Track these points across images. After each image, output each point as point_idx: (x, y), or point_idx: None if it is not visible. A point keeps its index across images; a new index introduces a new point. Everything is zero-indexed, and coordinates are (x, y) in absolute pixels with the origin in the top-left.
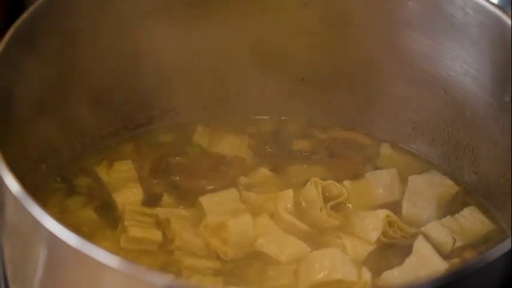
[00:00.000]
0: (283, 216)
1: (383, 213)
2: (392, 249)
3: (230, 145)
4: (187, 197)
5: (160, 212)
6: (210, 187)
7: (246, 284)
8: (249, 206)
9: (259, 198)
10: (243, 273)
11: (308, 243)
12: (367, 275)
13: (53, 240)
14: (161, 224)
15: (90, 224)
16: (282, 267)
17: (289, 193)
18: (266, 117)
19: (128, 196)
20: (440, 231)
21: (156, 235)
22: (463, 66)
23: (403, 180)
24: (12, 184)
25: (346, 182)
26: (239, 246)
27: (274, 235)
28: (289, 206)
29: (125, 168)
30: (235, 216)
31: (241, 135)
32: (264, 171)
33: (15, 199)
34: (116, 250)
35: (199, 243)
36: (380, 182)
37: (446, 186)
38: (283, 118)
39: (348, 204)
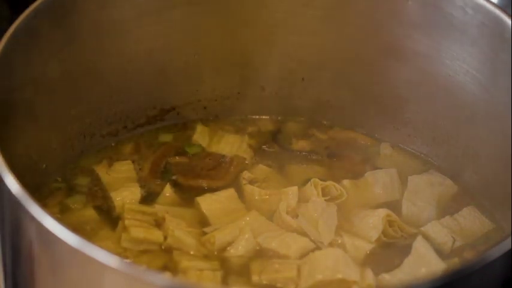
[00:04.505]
0: (283, 217)
1: (383, 212)
2: (392, 249)
3: (230, 145)
4: (187, 197)
5: (158, 209)
6: (210, 187)
7: (247, 276)
8: (252, 202)
9: (262, 193)
10: (245, 267)
11: None
12: (370, 277)
13: (53, 240)
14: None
15: (91, 223)
16: (287, 261)
17: (294, 190)
18: (266, 117)
19: (126, 195)
20: (440, 230)
21: (158, 235)
22: (463, 66)
23: (403, 180)
24: (12, 184)
25: (345, 182)
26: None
27: (276, 232)
28: (293, 202)
29: (124, 168)
30: (235, 219)
31: (241, 135)
32: (264, 168)
33: (15, 199)
34: (116, 249)
35: (192, 242)
36: (380, 182)
37: (445, 186)
38: (283, 118)
39: (347, 204)
